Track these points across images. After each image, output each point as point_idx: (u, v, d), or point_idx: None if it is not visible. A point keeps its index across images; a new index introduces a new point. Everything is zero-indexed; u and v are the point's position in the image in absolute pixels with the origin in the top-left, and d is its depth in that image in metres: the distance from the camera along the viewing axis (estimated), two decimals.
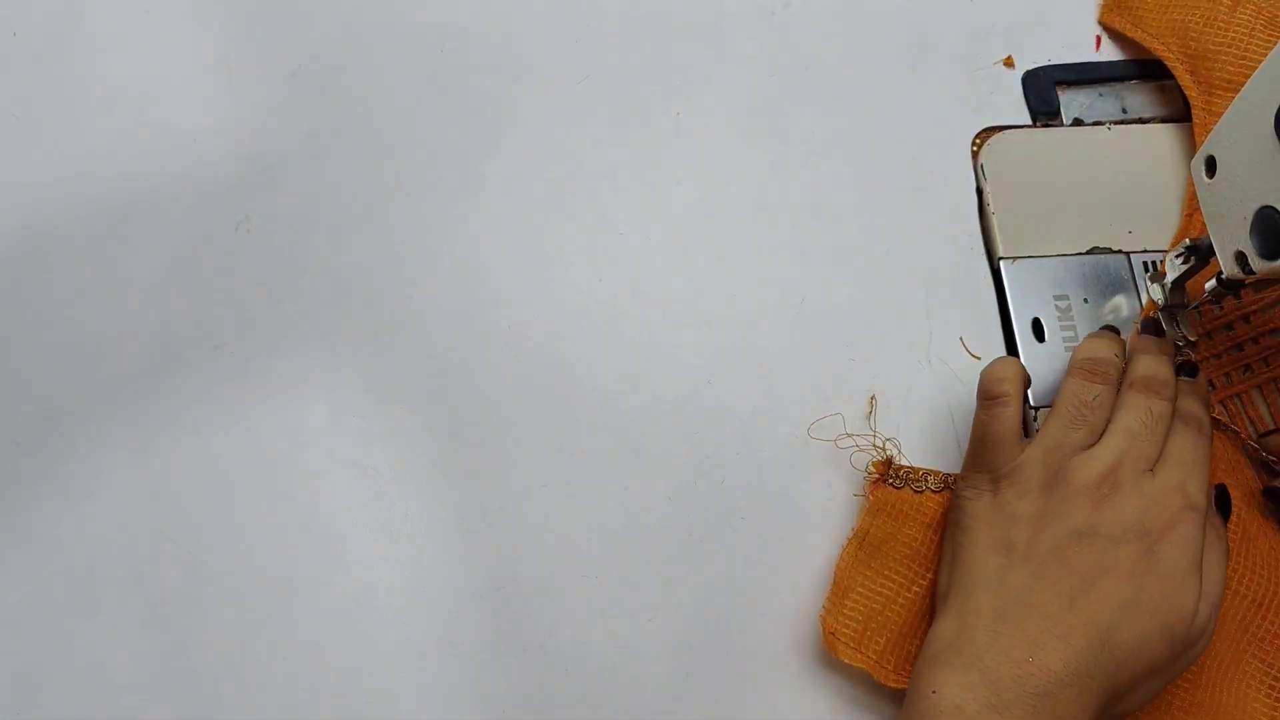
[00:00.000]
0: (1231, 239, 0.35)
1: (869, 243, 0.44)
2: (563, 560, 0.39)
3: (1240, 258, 0.35)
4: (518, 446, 0.41)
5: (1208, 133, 0.43)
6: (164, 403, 0.42)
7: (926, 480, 0.39)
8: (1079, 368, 0.38)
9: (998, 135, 0.46)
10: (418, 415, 0.41)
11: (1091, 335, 0.40)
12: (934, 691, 0.31)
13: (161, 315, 0.43)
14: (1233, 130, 0.34)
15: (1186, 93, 0.45)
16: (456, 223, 0.45)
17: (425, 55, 0.48)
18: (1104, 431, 0.36)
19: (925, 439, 0.41)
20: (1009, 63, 0.47)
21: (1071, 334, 0.43)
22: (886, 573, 0.38)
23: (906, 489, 0.39)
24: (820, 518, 0.40)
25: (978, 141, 0.46)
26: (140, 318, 0.43)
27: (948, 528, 0.37)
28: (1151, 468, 0.35)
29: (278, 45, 0.48)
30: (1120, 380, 0.38)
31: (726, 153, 0.45)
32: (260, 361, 0.42)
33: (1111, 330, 0.41)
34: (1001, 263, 0.44)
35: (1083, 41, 0.47)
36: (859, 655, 0.37)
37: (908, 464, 0.39)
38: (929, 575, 0.38)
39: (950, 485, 0.39)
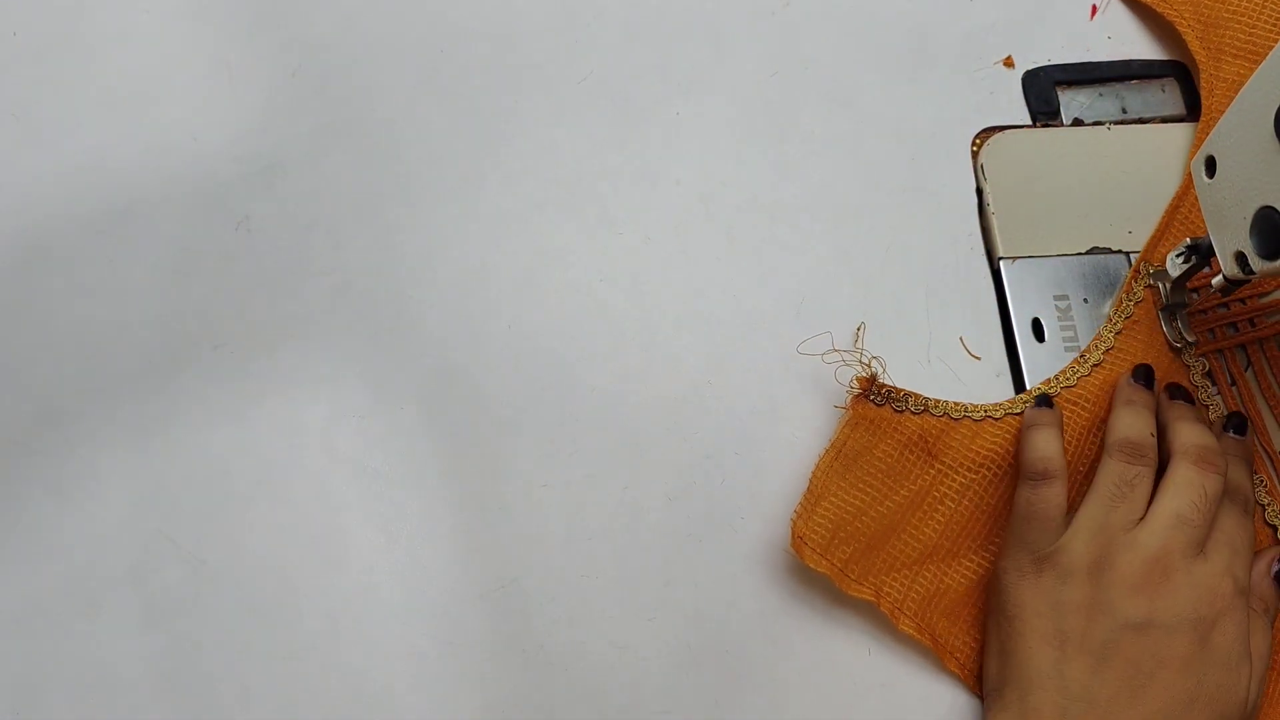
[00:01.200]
0: (1231, 239, 0.35)
1: (869, 243, 0.44)
2: (562, 560, 0.39)
3: (1240, 258, 0.35)
4: (518, 446, 0.41)
5: (1215, 98, 0.44)
6: (164, 403, 0.42)
7: (907, 401, 0.40)
8: (1118, 449, 0.37)
9: (998, 135, 0.46)
10: (418, 415, 0.41)
11: (1124, 409, 0.38)
12: None
13: (161, 315, 0.43)
14: (1233, 130, 0.34)
15: (1196, 57, 0.45)
16: (456, 223, 0.45)
17: (425, 55, 0.48)
18: (1149, 508, 0.35)
19: None
20: (1009, 63, 0.47)
21: (1071, 334, 0.43)
22: (860, 485, 0.39)
23: (887, 407, 0.40)
24: None
25: (978, 141, 0.46)
26: (140, 318, 0.43)
27: (990, 614, 0.37)
28: (1201, 550, 0.34)
29: (278, 45, 0.48)
30: (1156, 457, 0.37)
31: (726, 153, 0.45)
32: (260, 361, 0.42)
33: (1144, 385, 0.39)
34: (1001, 263, 0.44)
35: (1083, 41, 0.47)
36: (824, 561, 0.38)
37: (890, 384, 0.40)
38: (901, 492, 0.39)
39: (929, 409, 0.40)
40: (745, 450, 0.41)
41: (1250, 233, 0.34)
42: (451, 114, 0.47)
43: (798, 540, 0.38)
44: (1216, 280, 0.38)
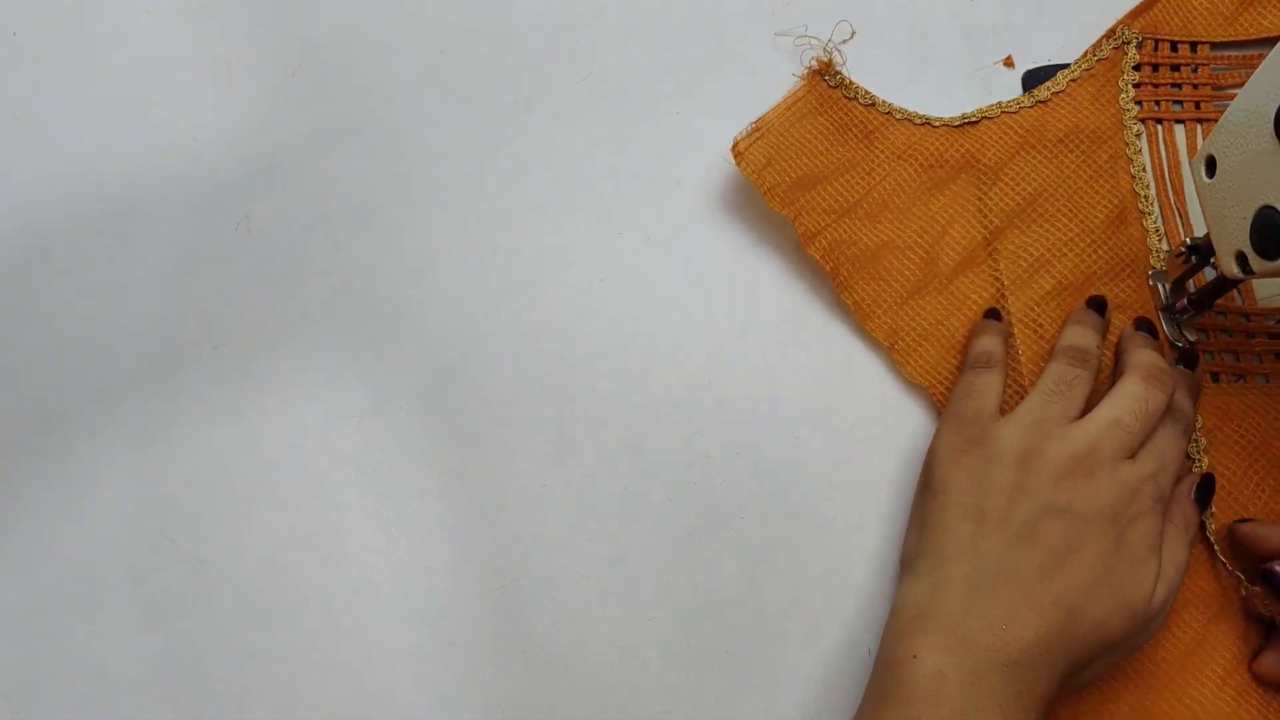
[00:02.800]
0: (1231, 239, 0.35)
1: None
2: (563, 560, 0.39)
3: (1240, 257, 0.35)
4: (518, 446, 0.41)
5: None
6: (164, 402, 0.42)
7: (857, 92, 0.45)
8: (1063, 353, 0.38)
9: None
10: (418, 415, 0.41)
11: (1074, 324, 0.40)
12: (914, 656, 0.32)
13: (161, 315, 0.43)
14: (1233, 130, 0.34)
15: None
16: (456, 223, 0.45)
17: (425, 55, 0.48)
18: (1085, 411, 0.37)
19: (927, 434, 0.41)
20: (1009, 63, 0.47)
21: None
22: (802, 137, 0.44)
23: (839, 91, 0.45)
24: (820, 518, 0.40)
25: None
26: (140, 318, 0.43)
27: (918, 490, 0.38)
28: (1131, 456, 0.35)
29: (278, 45, 0.48)
30: (1098, 369, 0.39)
31: (726, 153, 0.45)
32: (260, 361, 0.42)
33: (1095, 311, 0.40)
34: None
35: (1083, 42, 0.47)
36: (756, 176, 0.42)
37: (850, 78, 0.45)
38: (836, 154, 0.44)
39: (876, 104, 0.45)
40: (745, 450, 0.41)
41: (1250, 233, 0.34)
42: (452, 114, 0.47)
43: (738, 154, 0.43)
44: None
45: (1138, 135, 0.44)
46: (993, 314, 0.41)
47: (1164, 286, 0.42)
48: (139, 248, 0.44)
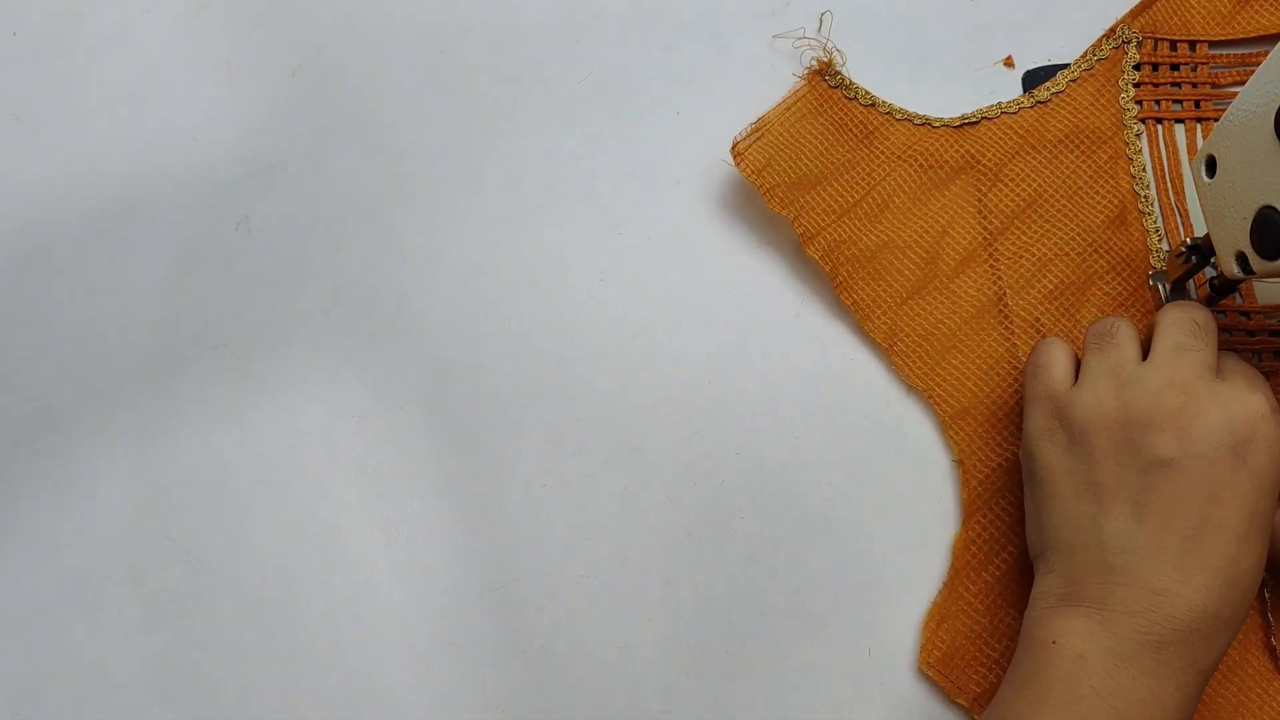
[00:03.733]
0: (1231, 239, 0.35)
1: None
2: (563, 560, 0.39)
3: (1241, 258, 0.35)
4: (518, 446, 0.41)
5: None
6: (164, 403, 0.42)
7: (857, 92, 0.45)
8: (1091, 326, 0.37)
9: None
10: (418, 415, 0.41)
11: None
12: (1054, 642, 0.30)
13: (161, 315, 0.43)
14: (1233, 130, 0.34)
15: None
16: (456, 223, 0.45)
17: (425, 55, 0.48)
18: (1150, 352, 0.34)
19: (927, 434, 0.41)
20: (1009, 63, 0.47)
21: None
22: (801, 138, 0.44)
23: (839, 91, 0.45)
24: (820, 518, 0.40)
25: None
26: (140, 318, 0.43)
27: (1025, 482, 0.36)
28: (1216, 375, 0.33)
29: (278, 45, 0.48)
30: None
31: (726, 153, 0.45)
32: (260, 361, 0.42)
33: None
34: None
35: (1083, 42, 0.47)
36: (755, 177, 0.43)
37: (850, 78, 0.45)
38: (835, 154, 0.44)
39: (876, 105, 0.45)
40: (745, 450, 0.41)
41: (1250, 233, 0.34)
42: (452, 114, 0.47)
43: (737, 155, 0.43)
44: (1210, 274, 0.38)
45: (1138, 135, 0.44)
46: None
47: (1164, 286, 0.42)
48: (139, 248, 0.44)
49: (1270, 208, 0.33)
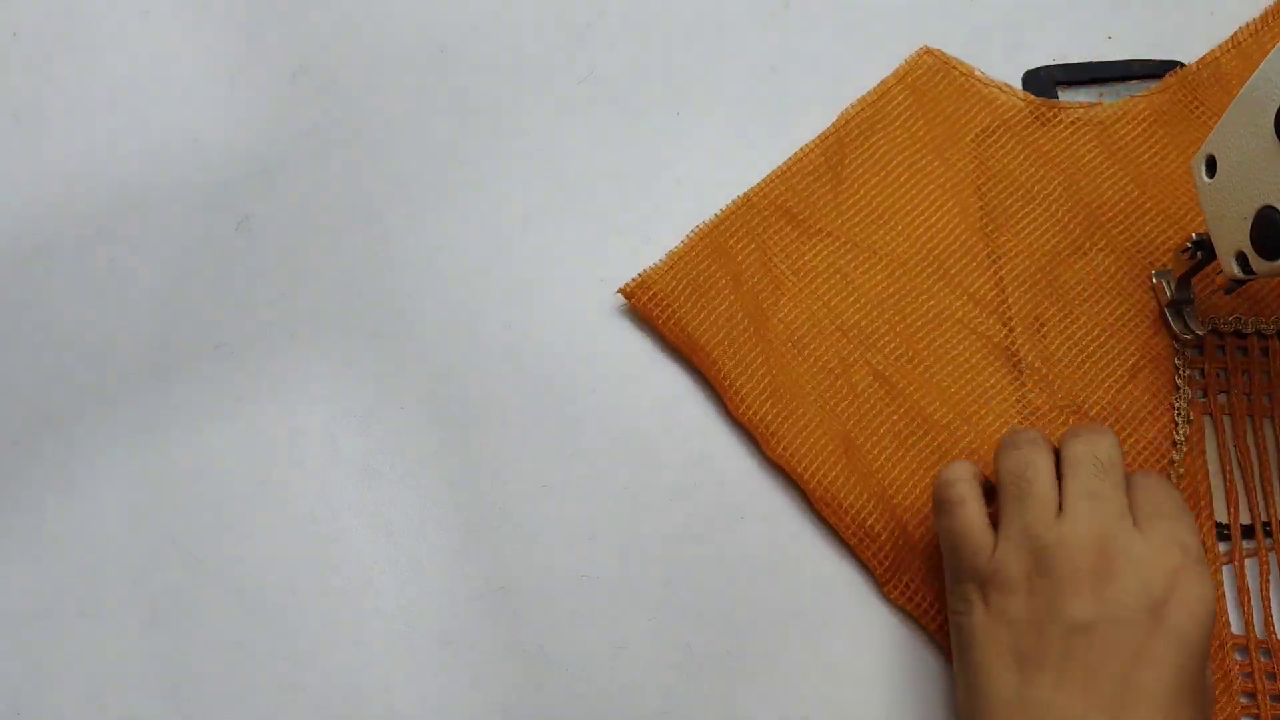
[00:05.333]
0: (1232, 239, 0.35)
1: None
2: (563, 560, 0.39)
3: (1241, 257, 0.35)
4: (518, 446, 0.41)
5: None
6: (164, 403, 0.42)
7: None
8: (1000, 446, 0.36)
9: None
10: (418, 415, 0.41)
11: (1007, 437, 0.36)
12: None
13: (161, 315, 0.43)
14: (1233, 130, 0.34)
15: None
16: (456, 223, 0.45)
17: (425, 55, 0.48)
18: (1060, 500, 0.33)
19: None
20: None
21: None
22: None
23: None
24: (819, 517, 0.40)
25: None
26: (140, 318, 0.43)
27: (954, 648, 0.35)
28: (1132, 522, 0.32)
29: (278, 45, 0.48)
30: (1047, 442, 0.35)
31: (726, 153, 0.45)
32: (260, 361, 0.42)
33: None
34: None
35: (1083, 41, 0.47)
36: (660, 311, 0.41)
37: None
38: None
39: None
40: (745, 450, 0.41)
41: (1250, 233, 0.34)
42: (451, 114, 0.47)
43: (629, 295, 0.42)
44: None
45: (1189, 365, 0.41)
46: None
47: (1169, 283, 0.42)
48: (139, 248, 0.44)
49: (1270, 208, 0.33)
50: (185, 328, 0.43)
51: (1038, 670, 0.31)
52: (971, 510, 0.35)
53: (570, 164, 0.46)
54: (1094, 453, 0.34)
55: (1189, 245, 0.40)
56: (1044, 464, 0.34)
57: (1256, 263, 0.34)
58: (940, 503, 0.35)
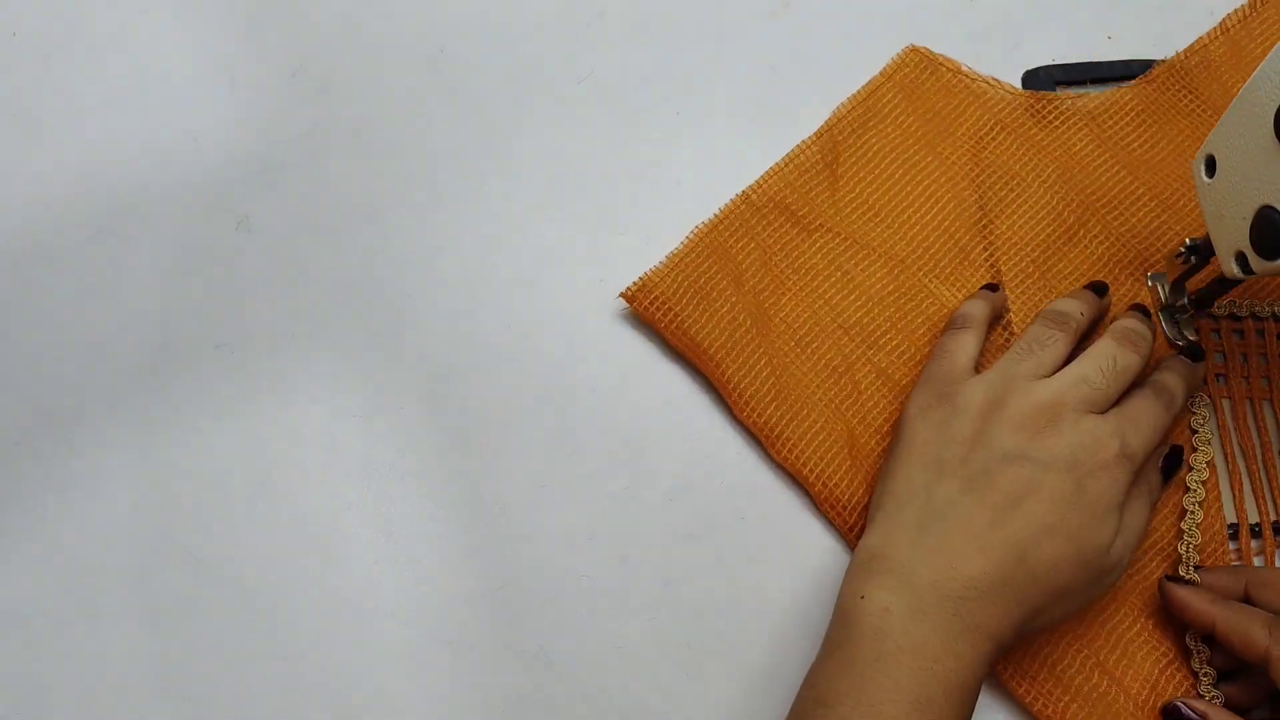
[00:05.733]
0: (1231, 239, 0.35)
1: None
2: (563, 560, 0.39)
3: (1240, 257, 0.35)
4: (518, 446, 0.41)
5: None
6: (165, 402, 0.42)
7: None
8: (1044, 315, 0.39)
9: None
10: (417, 415, 0.41)
11: (1069, 294, 0.40)
12: (862, 597, 0.33)
13: (162, 315, 0.43)
14: (1233, 130, 0.34)
15: None
16: (456, 223, 0.45)
17: (425, 55, 0.48)
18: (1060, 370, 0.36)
19: None
20: None
21: None
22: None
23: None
24: (820, 517, 0.40)
25: None
26: (140, 318, 0.43)
27: (888, 451, 0.38)
28: (1099, 412, 0.35)
29: (278, 45, 0.48)
30: (1079, 335, 0.39)
31: (726, 153, 0.45)
32: (260, 361, 0.42)
33: (1095, 290, 0.40)
34: None
35: (1083, 41, 0.47)
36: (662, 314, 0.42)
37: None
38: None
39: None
40: (745, 450, 0.41)
41: (1250, 232, 0.34)
42: (452, 114, 0.47)
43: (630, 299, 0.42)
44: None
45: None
46: (989, 286, 0.42)
47: (1163, 286, 0.42)
48: (139, 248, 0.44)
49: (1270, 208, 0.33)
50: (185, 328, 0.43)
51: (951, 476, 0.35)
52: (969, 338, 0.39)
53: (570, 164, 0.46)
54: (1115, 356, 0.36)
55: (1183, 250, 0.40)
56: (1064, 346, 0.37)
57: (1256, 262, 0.34)
58: (952, 320, 0.40)
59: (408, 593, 0.39)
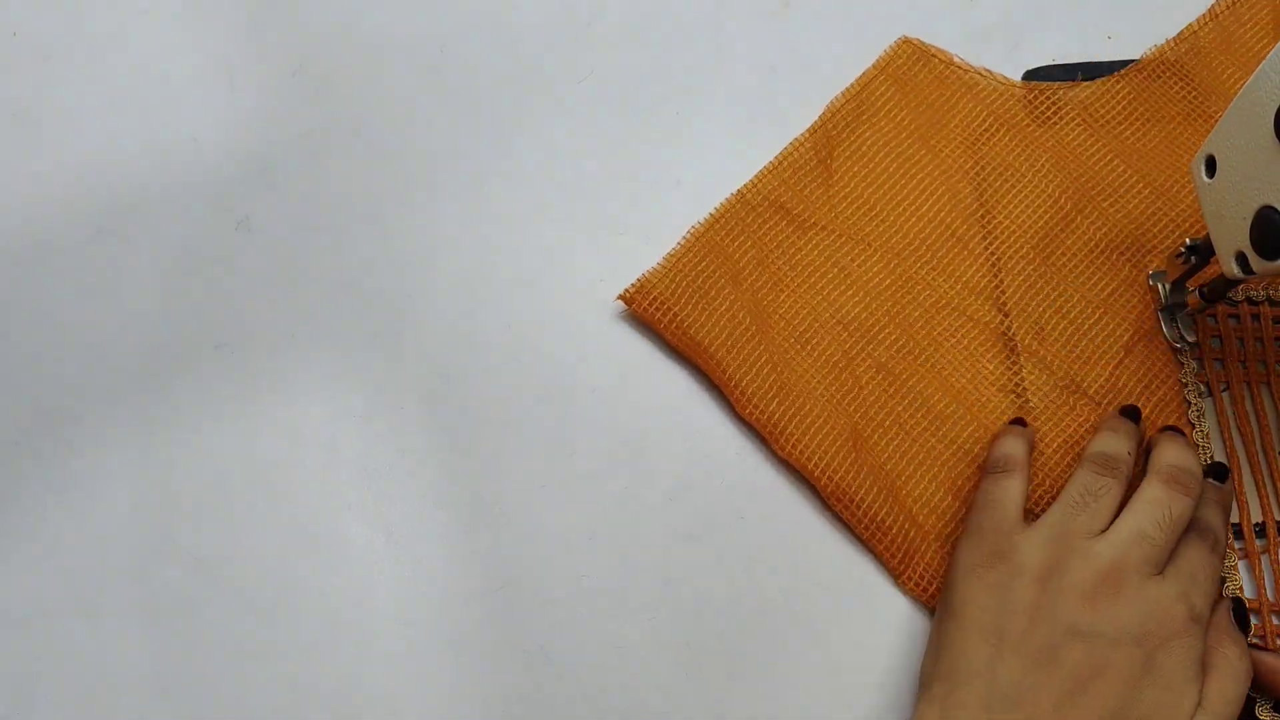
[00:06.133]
0: (1231, 239, 0.35)
1: None
2: (563, 560, 0.39)
3: (1240, 258, 0.35)
4: (518, 446, 0.41)
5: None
6: (165, 402, 0.42)
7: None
8: (1091, 460, 0.37)
9: None
10: (418, 415, 0.41)
11: (1107, 428, 0.38)
12: None
13: (162, 315, 0.43)
14: (1233, 130, 0.34)
15: None
16: (457, 223, 0.45)
17: (425, 55, 0.48)
18: (1112, 522, 0.35)
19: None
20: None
21: None
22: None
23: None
24: (820, 518, 0.40)
25: None
26: (140, 318, 0.43)
27: (939, 608, 0.36)
28: (1159, 571, 0.34)
29: (278, 45, 0.48)
30: (1129, 477, 0.37)
31: (726, 153, 0.45)
32: (260, 361, 0.42)
33: (1130, 419, 0.39)
34: None
35: (1083, 41, 0.47)
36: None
37: None
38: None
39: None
40: (745, 450, 0.41)
41: (1250, 233, 0.34)
42: (452, 114, 0.47)
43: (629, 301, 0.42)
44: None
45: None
46: (1017, 421, 0.40)
47: (1164, 286, 0.42)
48: (139, 248, 0.44)
49: (1270, 208, 0.33)
50: (185, 328, 0.43)
51: (1014, 653, 0.32)
52: (1016, 484, 0.37)
53: (570, 164, 0.46)
54: (1169, 505, 0.35)
55: (1183, 250, 0.40)
56: (1117, 493, 0.36)
57: (1256, 263, 0.34)
58: (991, 463, 0.38)
59: (408, 593, 0.39)
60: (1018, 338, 0.41)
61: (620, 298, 0.42)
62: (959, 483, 0.39)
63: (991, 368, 0.41)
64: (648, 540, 0.39)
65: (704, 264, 0.42)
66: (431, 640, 0.38)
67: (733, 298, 0.42)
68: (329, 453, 0.41)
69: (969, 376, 0.41)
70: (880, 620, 0.38)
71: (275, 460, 0.41)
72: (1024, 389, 0.41)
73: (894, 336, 0.42)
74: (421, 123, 0.47)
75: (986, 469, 0.38)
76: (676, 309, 0.41)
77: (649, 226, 0.44)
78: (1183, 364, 0.41)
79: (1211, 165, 0.36)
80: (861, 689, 0.38)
